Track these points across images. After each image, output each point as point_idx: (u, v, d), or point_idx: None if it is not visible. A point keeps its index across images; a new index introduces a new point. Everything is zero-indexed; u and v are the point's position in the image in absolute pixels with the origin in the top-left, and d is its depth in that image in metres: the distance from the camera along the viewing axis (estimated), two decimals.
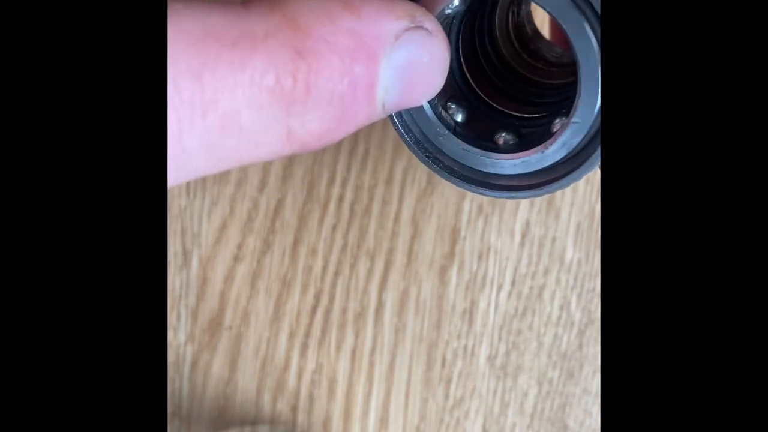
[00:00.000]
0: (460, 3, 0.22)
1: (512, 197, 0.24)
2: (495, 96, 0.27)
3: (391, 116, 0.24)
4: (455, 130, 0.24)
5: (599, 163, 0.22)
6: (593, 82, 0.21)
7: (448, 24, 0.24)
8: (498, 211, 0.38)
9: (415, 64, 0.18)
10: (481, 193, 0.24)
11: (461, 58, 0.26)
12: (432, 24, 0.19)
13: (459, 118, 0.25)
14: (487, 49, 0.28)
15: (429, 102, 0.24)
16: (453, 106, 0.25)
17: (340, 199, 0.38)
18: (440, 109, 0.24)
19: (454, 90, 0.26)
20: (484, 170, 0.24)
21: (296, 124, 0.17)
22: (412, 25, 0.18)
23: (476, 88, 0.26)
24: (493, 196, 0.28)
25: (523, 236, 0.38)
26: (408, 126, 0.24)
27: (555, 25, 0.31)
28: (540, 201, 0.38)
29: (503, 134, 0.25)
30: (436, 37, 0.19)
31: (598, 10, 0.20)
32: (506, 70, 0.28)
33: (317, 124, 0.17)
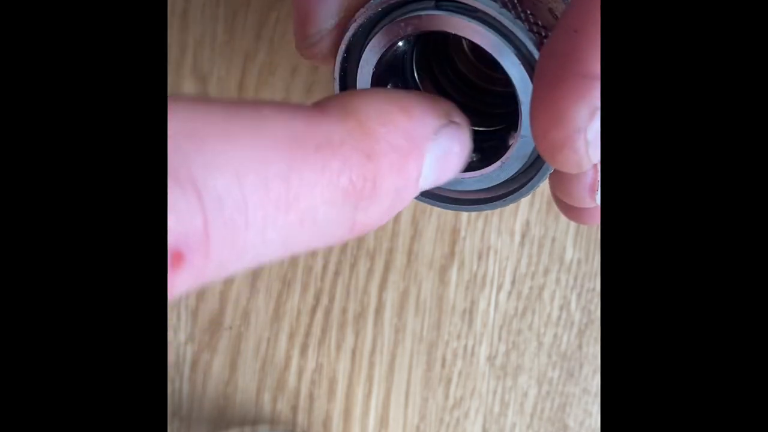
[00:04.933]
0: (404, 43, 0.24)
1: (479, 210, 0.26)
2: None
3: None
4: None
5: (552, 169, 0.23)
6: (529, 98, 0.22)
7: (401, 54, 0.24)
8: (498, 211, 0.38)
9: (449, 154, 0.21)
10: (451, 210, 0.26)
11: (418, 80, 0.27)
12: (460, 117, 0.22)
13: None
14: (443, 67, 0.28)
15: None
16: None
17: None
18: None
19: None
20: (452, 188, 0.25)
21: (362, 216, 0.19)
22: (447, 120, 0.21)
23: None
24: (462, 211, 0.30)
25: (523, 236, 0.38)
26: None
27: None
28: (540, 201, 0.38)
29: None
30: (464, 128, 0.22)
31: (522, 35, 0.22)
32: (464, 84, 0.28)
33: (378, 214, 0.19)
